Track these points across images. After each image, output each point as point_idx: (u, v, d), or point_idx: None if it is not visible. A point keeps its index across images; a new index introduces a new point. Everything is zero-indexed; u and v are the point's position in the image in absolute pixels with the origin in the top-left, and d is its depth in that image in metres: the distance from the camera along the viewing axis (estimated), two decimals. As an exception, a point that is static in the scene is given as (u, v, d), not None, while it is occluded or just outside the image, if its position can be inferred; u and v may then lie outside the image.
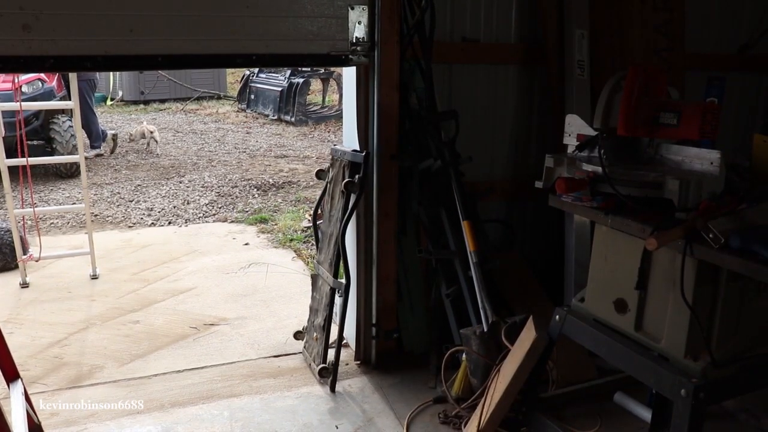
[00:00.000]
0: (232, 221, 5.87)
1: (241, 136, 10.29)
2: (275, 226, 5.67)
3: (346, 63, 2.83)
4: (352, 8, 2.75)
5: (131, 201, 6.52)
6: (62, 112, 7.18)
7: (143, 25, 2.41)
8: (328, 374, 2.98)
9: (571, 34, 3.23)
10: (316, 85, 12.62)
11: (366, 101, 2.97)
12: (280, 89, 11.37)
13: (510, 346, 2.45)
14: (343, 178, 3.01)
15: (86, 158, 5.46)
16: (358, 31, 2.79)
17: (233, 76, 15.21)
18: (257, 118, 11.85)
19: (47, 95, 7.05)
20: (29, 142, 5.75)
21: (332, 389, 2.96)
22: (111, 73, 12.80)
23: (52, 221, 5.77)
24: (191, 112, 12.68)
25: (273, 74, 11.98)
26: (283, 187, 7.19)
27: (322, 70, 11.48)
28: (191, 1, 2.46)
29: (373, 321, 3.13)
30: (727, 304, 1.84)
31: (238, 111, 12.66)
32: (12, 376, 2.34)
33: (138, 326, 3.70)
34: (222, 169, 7.95)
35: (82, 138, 4.89)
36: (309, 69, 11.03)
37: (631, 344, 1.98)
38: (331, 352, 3.03)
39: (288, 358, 3.31)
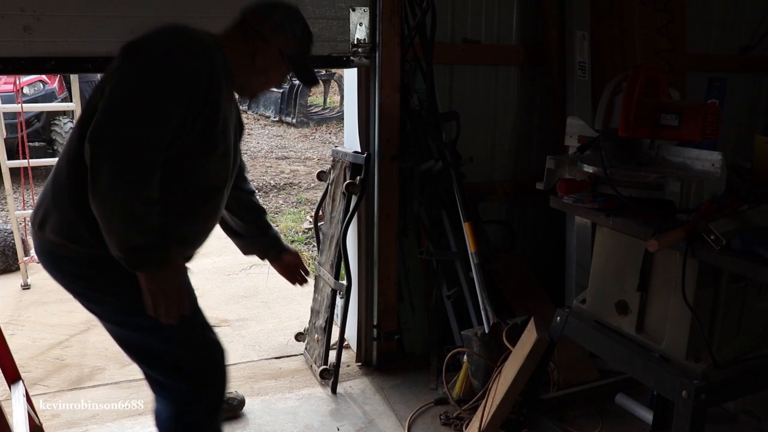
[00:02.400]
0: (234, 223, 5.86)
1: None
2: (276, 228, 5.66)
3: (348, 64, 2.83)
4: (353, 10, 2.75)
5: (132, 202, 6.51)
6: (64, 113, 7.19)
7: (145, 27, 2.40)
8: (330, 376, 2.98)
9: (572, 35, 3.23)
10: (317, 86, 12.61)
11: (367, 103, 2.98)
12: (281, 90, 11.38)
13: (511, 347, 2.45)
14: (345, 180, 3.01)
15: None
16: (359, 33, 2.79)
17: (234, 78, 15.19)
18: (258, 120, 11.86)
19: (49, 97, 7.06)
20: (31, 144, 5.77)
21: (333, 391, 2.96)
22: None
23: (53, 223, 5.77)
24: (192, 113, 12.65)
25: (274, 76, 11.97)
26: (284, 189, 7.19)
27: (323, 72, 11.50)
28: (192, 2, 2.47)
29: (375, 322, 3.13)
30: (728, 305, 1.84)
31: (239, 112, 12.64)
32: (13, 377, 2.34)
33: (139, 328, 3.69)
34: (223, 170, 7.94)
35: (83, 139, 4.89)
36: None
37: (632, 346, 1.98)
38: (333, 354, 3.03)
39: (289, 359, 3.31)
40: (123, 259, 1.62)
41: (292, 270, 2.36)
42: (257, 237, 2.25)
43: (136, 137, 1.59)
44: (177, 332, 1.76)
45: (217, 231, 2.04)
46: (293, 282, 2.39)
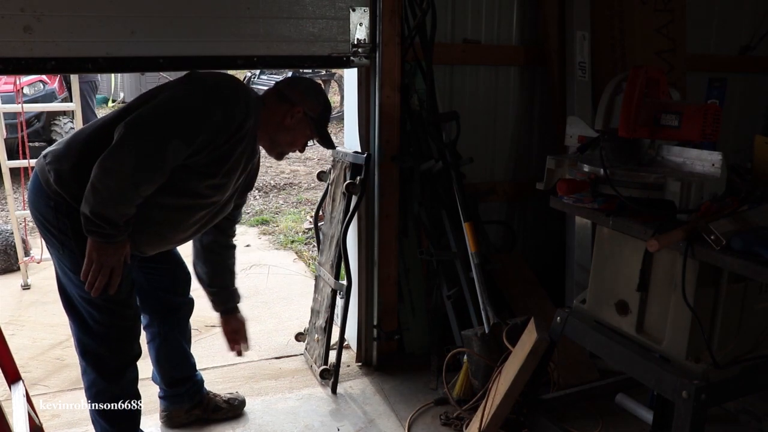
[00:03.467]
0: (234, 223, 5.86)
1: (243, 137, 10.26)
2: (276, 228, 5.66)
3: (348, 65, 2.83)
4: (354, 10, 2.75)
5: (133, 202, 6.50)
6: (64, 113, 7.18)
7: (145, 27, 2.42)
8: (330, 376, 2.98)
9: (572, 35, 3.23)
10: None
11: (367, 103, 2.98)
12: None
13: (511, 347, 2.45)
14: (345, 180, 3.01)
15: (88, 160, 5.44)
16: (360, 33, 2.79)
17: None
18: (258, 120, 11.85)
19: (49, 97, 7.05)
20: (31, 144, 5.76)
21: (333, 391, 2.96)
22: (112, 74, 12.80)
23: (53, 223, 5.76)
24: (192, 113, 12.64)
25: (274, 76, 11.99)
26: (284, 189, 7.20)
27: (324, 72, 11.49)
28: (193, 2, 2.47)
29: (375, 322, 3.14)
30: (728, 305, 1.84)
31: (239, 112, 12.63)
32: (13, 377, 2.34)
33: (139, 328, 3.69)
34: (223, 170, 7.93)
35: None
36: (310, 70, 11.04)
37: (632, 346, 1.98)
38: (333, 354, 3.03)
39: (289, 359, 3.31)
40: (86, 219, 1.88)
41: (234, 334, 2.64)
42: (212, 289, 2.58)
43: (162, 142, 1.90)
44: (96, 299, 2.05)
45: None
46: (230, 347, 2.67)
